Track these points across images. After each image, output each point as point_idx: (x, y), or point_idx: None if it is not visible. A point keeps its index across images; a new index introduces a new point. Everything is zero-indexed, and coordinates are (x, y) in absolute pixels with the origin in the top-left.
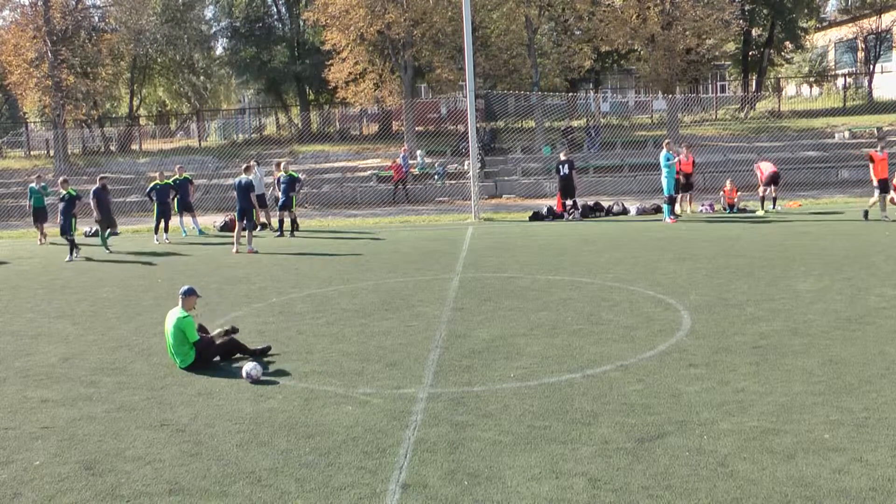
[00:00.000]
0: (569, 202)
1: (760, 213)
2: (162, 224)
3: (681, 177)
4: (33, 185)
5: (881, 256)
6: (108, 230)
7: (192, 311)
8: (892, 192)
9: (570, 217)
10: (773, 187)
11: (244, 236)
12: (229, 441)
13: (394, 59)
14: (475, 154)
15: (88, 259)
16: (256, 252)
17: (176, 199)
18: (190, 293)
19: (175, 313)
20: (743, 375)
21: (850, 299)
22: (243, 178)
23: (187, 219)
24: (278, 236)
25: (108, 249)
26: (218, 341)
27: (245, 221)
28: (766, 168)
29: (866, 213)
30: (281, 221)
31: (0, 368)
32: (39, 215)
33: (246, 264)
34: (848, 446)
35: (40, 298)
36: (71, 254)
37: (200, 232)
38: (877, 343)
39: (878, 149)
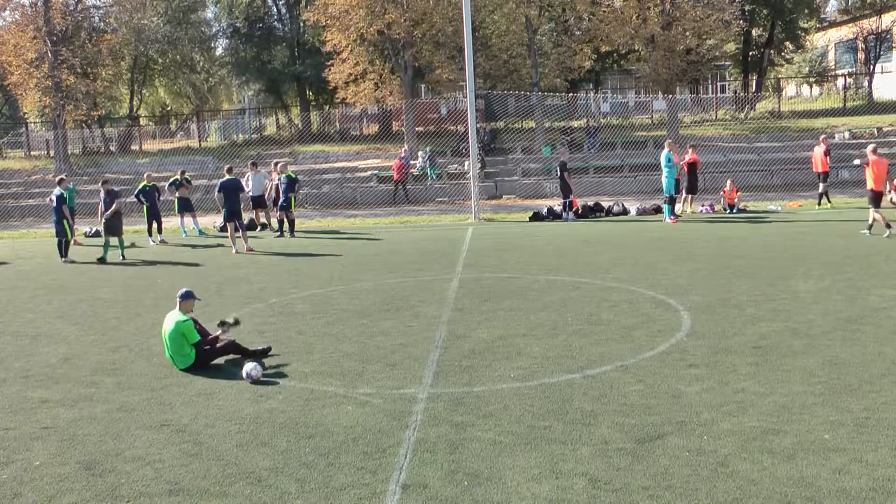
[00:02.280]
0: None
1: (816, 209)
2: (155, 225)
3: (682, 177)
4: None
5: (881, 256)
6: (108, 239)
7: (190, 314)
8: (891, 192)
9: (564, 218)
10: (825, 184)
11: (239, 237)
12: (229, 441)
13: (394, 59)
14: (475, 154)
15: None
16: (252, 250)
17: (176, 200)
18: (188, 297)
19: (173, 316)
20: (743, 376)
21: (850, 299)
22: (227, 178)
23: (188, 219)
24: (278, 236)
25: (120, 257)
26: (219, 344)
27: (236, 222)
28: (817, 155)
29: None
30: (280, 222)
31: (0, 369)
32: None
33: (246, 264)
34: (848, 446)
35: (40, 299)
36: (63, 254)
37: (200, 232)
38: (877, 343)
39: None
